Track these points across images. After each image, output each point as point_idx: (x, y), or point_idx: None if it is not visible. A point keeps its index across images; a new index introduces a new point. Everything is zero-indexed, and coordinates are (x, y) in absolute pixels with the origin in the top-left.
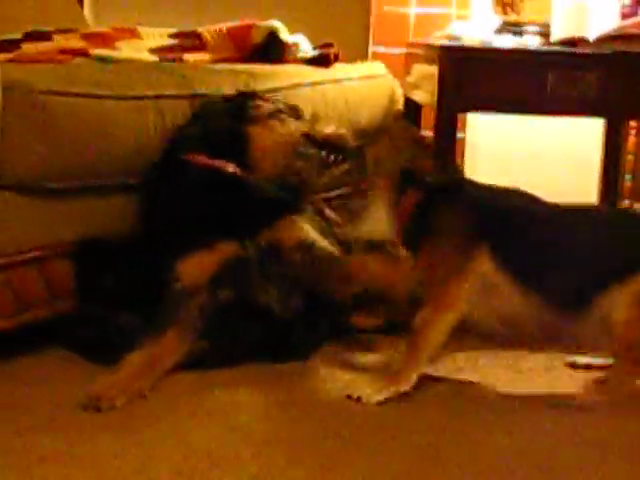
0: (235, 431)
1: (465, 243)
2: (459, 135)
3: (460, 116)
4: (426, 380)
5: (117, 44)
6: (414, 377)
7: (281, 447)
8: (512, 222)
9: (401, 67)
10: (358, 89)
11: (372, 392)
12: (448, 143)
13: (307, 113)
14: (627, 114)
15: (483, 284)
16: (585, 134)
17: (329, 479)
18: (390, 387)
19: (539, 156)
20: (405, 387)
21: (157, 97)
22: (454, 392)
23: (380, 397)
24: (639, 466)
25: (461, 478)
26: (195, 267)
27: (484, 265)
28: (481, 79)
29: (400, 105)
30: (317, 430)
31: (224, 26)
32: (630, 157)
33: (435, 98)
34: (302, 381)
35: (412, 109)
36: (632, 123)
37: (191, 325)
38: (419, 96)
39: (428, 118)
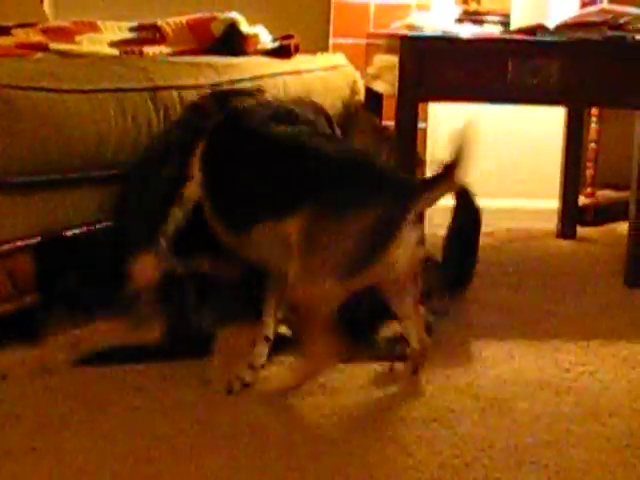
0: (199, 423)
1: None
2: (421, 125)
3: (422, 106)
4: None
5: (77, 38)
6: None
7: (249, 438)
8: None
9: (362, 58)
10: (319, 80)
11: None
12: (409, 133)
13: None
14: (587, 102)
15: None
16: (547, 122)
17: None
18: None
19: (502, 145)
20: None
21: (117, 90)
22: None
23: None
24: None
25: None
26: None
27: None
28: (442, 68)
29: (361, 96)
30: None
31: (184, 19)
32: (592, 145)
33: (396, 88)
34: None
35: (373, 99)
36: (594, 111)
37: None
38: (380, 86)
39: (389, 108)
